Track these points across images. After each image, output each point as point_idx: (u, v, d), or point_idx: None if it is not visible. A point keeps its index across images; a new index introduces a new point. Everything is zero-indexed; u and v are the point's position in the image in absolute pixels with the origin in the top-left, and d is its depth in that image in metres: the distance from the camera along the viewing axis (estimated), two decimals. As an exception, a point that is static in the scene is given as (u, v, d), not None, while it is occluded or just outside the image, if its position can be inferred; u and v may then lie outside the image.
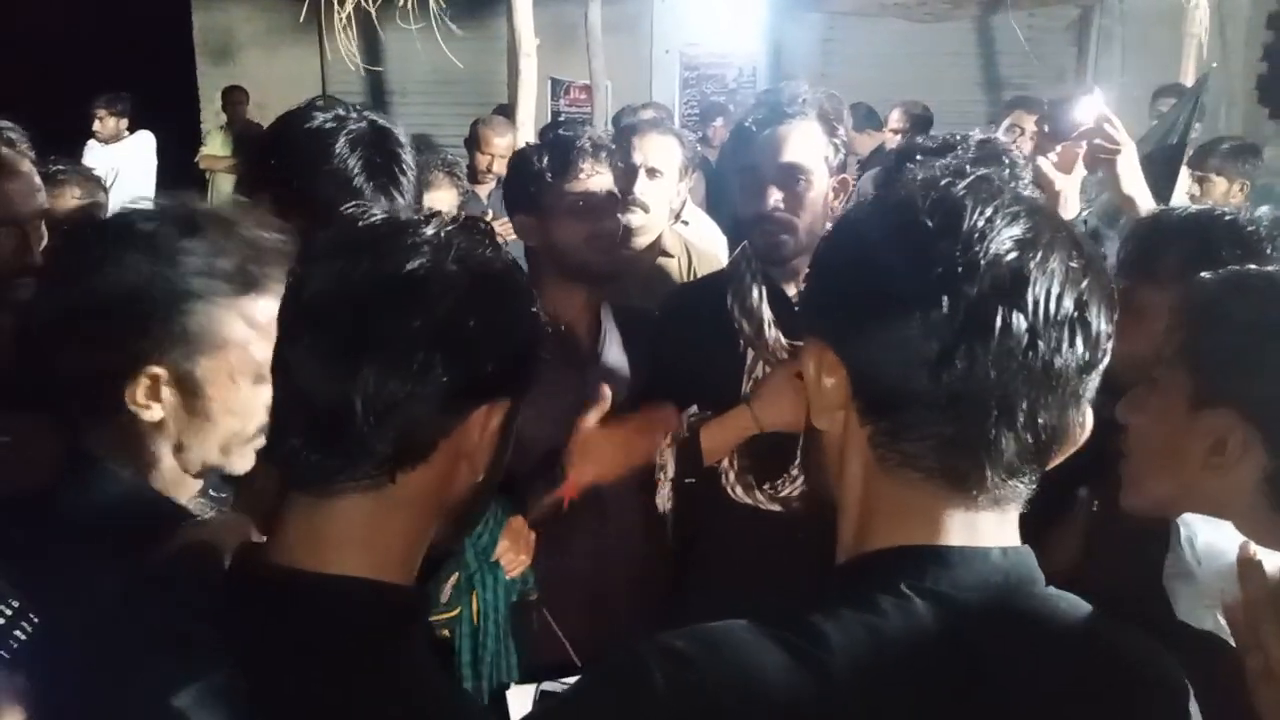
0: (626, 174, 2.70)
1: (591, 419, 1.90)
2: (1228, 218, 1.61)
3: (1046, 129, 2.12)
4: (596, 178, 2.14)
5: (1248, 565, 0.87)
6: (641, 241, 2.79)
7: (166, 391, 1.15)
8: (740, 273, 2.02)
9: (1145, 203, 2.04)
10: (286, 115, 1.65)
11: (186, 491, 1.23)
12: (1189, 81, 5.40)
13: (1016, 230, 0.78)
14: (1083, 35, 7.67)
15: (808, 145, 1.95)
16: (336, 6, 4.21)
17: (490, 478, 0.97)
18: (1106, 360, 0.82)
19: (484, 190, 4.87)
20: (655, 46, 8.14)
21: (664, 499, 2.02)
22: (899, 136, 5.29)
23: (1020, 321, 0.76)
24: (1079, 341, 0.78)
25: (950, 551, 0.81)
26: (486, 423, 0.93)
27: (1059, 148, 2.09)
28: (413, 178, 1.63)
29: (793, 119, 1.96)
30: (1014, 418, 0.79)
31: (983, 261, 0.77)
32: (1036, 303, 0.77)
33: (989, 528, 0.83)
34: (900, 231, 0.80)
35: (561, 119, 7.62)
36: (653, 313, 2.28)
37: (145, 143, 6.59)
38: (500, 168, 4.74)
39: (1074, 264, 0.79)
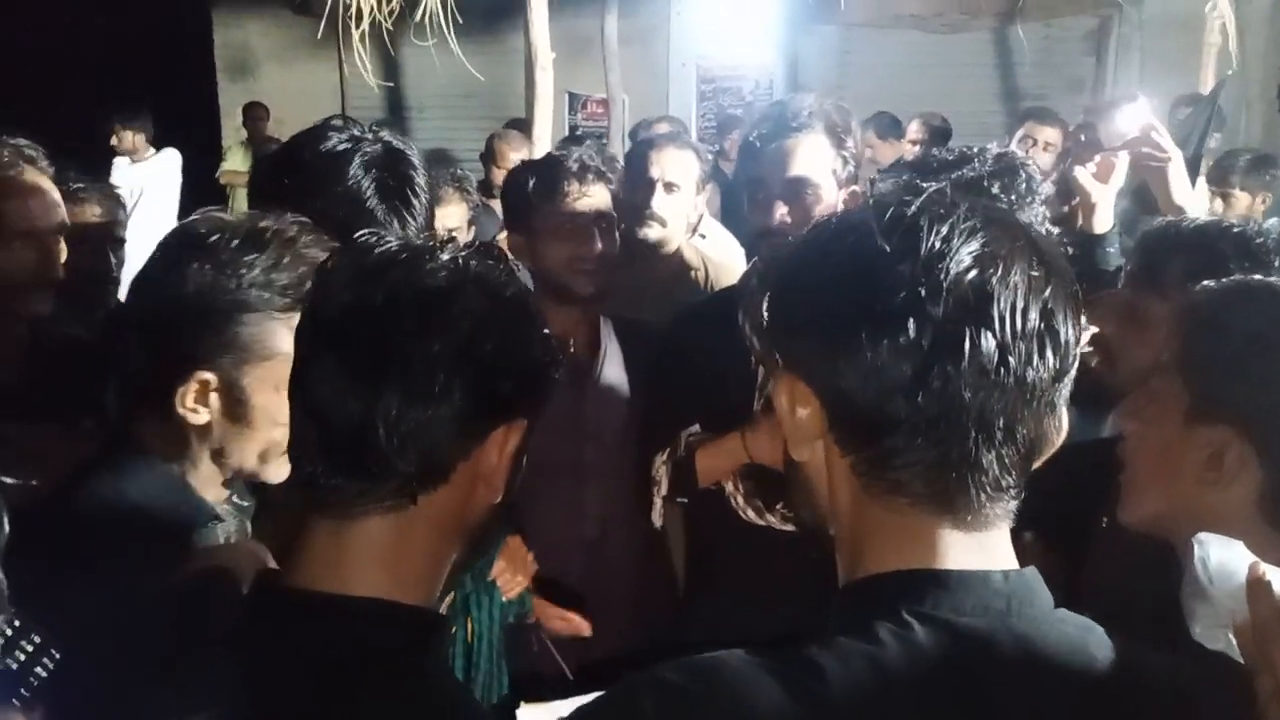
0: (644, 188, 2.71)
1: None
2: (1235, 229, 1.59)
3: (1084, 138, 2.10)
4: (584, 200, 2.13)
5: (1257, 585, 0.85)
6: (660, 255, 2.79)
7: (214, 397, 1.19)
8: (751, 288, 2.00)
9: (1194, 212, 1.99)
10: (301, 135, 1.66)
11: (216, 495, 1.27)
12: (1208, 90, 5.37)
13: (974, 246, 0.77)
14: (1101, 45, 7.64)
15: (814, 158, 1.94)
16: (353, 23, 4.24)
17: (506, 498, 0.98)
18: (1077, 364, 0.81)
19: (499, 205, 4.88)
20: (672, 59, 8.16)
21: (658, 516, 2.02)
22: (917, 148, 5.27)
23: (988, 340, 0.76)
24: (1049, 352, 0.78)
25: (949, 575, 0.80)
26: (504, 444, 0.94)
27: (1098, 157, 2.06)
28: (425, 200, 1.63)
29: (799, 132, 1.95)
30: (993, 435, 0.78)
31: (944, 282, 0.76)
32: (1002, 318, 0.76)
33: (984, 549, 0.82)
34: (859, 257, 0.79)
35: (579, 132, 7.65)
36: (657, 328, 2.28)
37: (171, 161, 6.63)
38: (517, 182, 4.76)
39: (1036, 273, 0.78)
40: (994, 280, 0.76)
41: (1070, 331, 0.80)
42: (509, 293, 0.95)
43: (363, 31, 4.25)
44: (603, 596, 2.13)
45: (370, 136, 1.62)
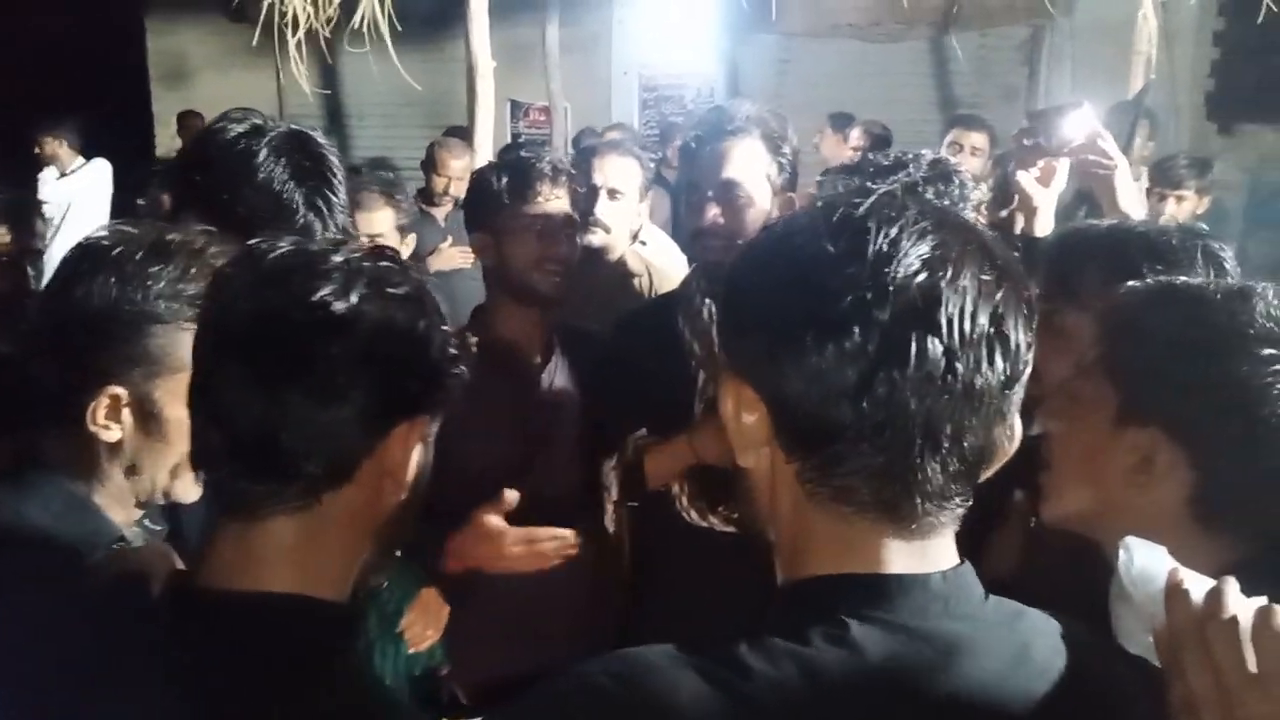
0: (587, 195, 2.70)
1: (493, 514, 1.89)
2: (1142, 231, 1.60)
3: (1026, 142, 2.09)
4: (554, 202, 2.13)
5: (1174, 592, 0.86)
6: (603, 262, 2.79)
7: (125, 412, 1.17)
8: (691, 293, 2.01)
9: (1139, 218, 2.00)
10: (204, 131, 1.65)
11: (126, 516, 1.24)
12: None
13: (924, 248, 0.76)
14: (1034, 54, 7.78)
15: (749, 163, 1.96)
16: (289, 30, 4.18)
17: (415, 496, 0.99)
18: (1029, 371, 0.80)
19: (440, 212, 4.84)
20: (614, 67, 8.16)
21: (610, 521, 2.01)
22: (858, 155, 5.33)
23: (935, 346, 0.74)
24: (998, 358, 0.77)
25: (887, 580, 0.80)
26: (408, 440, 0.96)
27: (1041, 162, 2.08)
28: (342, 181, 1.61)
29: (734, 136, 1.97)
30: (939, 444, 0.77)
31: (891, 286, 0.74)
32: (950, 323, 0.74)
33: (925, 555, 0.81)
34: (806, 260, 0.77)
35: (521, 140, 7.62)
36: (600, 334, 2.28)
37: (101, 172, 6.47)
38: (456, 190, 4.72)
39: (987, 276, 0.77)
40: (943, 284, 0.75)
41: (1022, 337, 0.78)
42: (404, 291, 0.96)
43: (299, 39, 4.19)
44: (552, 601, 2.11)
45: (272, 124, 1.59)
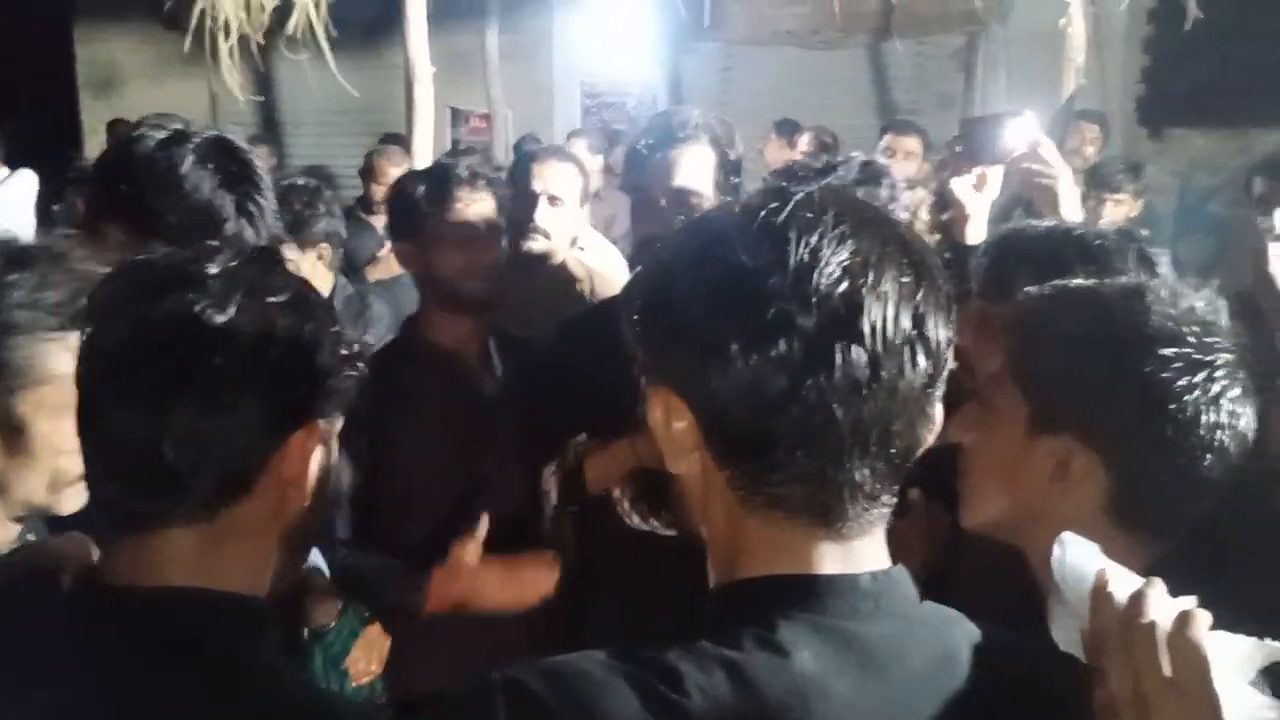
0: (527, 201, 2.68)
1: (469, 547, 1.91)
2: (1077, 233, 1.61)
3: (960, 150, 2.10)
4: (475, 206, 2.11)
5: (1100, 594, 0.86)
6: (544, 268, 2.77)
7: None
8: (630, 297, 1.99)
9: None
10: (123, 140, 1.61)
11: (3, 535, 1.19)
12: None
13: (844, 255, 0.76)
14: (969, 61, 7.91)
15: (699, 169, 1.98)
16: (221, 36, 4.10)
17: (321, 500, 0.98)
18: (949, 364, 0.81)
19: (379, 221, 4.78)
20: (555, 74, 8.14)
21: (549, 525, 2.00)
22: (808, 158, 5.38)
23: (860, 354, 0.75)
24: (920, 358, 0.77)
25: (818, 580, 0.80)
26: (305, 446, 0.94)
27: (977, 170, 2.08)
28: (269, 186, 1.59)
29: (684, 143, 1.98)
30: (867, 447, 0.78)
31: (815, 297, 0.74)
32: (874, 330, 0.75)
33: (856, 555, 0.82)
34: (729, 271, 0.77)
35: (461, 147, 7.57)
36: (540, 341, 2.27)
37: (26, 184, 6.25)
38: (397, 198, 4.67)
39: (906, 278, 0.77)
40: (864, 291, 0.75)
41: (941, 333, 0.79)
42: (286, 297, 0.94)
43: (231, 45, 4.11)
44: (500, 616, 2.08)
45: (194, 130, 1.56)
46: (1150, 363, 1.09)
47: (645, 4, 7.02)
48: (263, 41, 4.29)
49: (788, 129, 5.98)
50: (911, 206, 1.84)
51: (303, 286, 0.99)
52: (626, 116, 8.33)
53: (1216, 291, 1.18)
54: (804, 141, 5.59)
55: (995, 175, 2.08)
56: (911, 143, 4.80)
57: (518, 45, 7.34)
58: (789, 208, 0.78)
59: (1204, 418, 1.09)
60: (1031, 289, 1.24)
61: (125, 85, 8.31)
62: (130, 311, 0.90)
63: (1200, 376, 1.09)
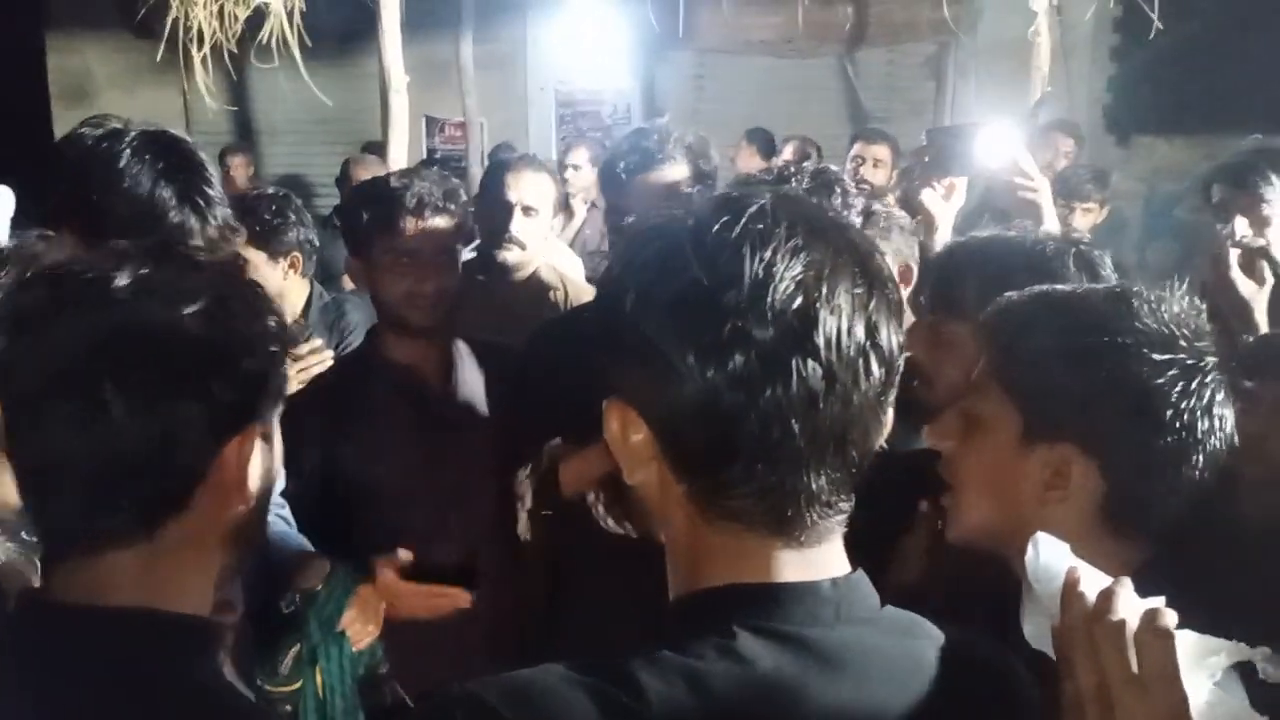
0: (502, 211, 2.71)
1: (389, 570, 1.93)
2: (1015, 240, 1.62)
3: (927, 159, 2.13)
4: (420, 235, 2.05)
5: (1070, 592, 0.88)
6: (518, 277, 2.80)
7: None
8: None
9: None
10: (61, 141, 1.62)
11: None
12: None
13: (797, 269, 0.76)
14: (940, 70, 7.98)
15: (679, 190, 1.99)
16: (194, 45, 4.10)
17: (265, 498, 0.97)
18: (901, 369, 0.82)
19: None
20: (530, 83, 8.15)
21: (524, 529, 2.01)
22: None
23: (815, 367, 0.75)
24: (874, 366, 0.78)
25: (779, 588, 0.81)
26: (241, 451, 0.92)
27: (947, 180, 2.10)
28: (214, 173, 1.58)
29: (662, 164, 2.00)
30: (824, 458, 0.78)
31: (769, 312, 0.75)
32: (829, 342, 0.76)
33: (815, 562, 0.82)
34: (684, 287, 0.77)
35: (437, 156, 7.57)
36: (513, 349, 2.27)
37: (3, 200, 6.11)
38: (372, 206, 4.66)
39: (859, 289, 0.78)
40: (818, 304, 0.76)
41: (893, 340, 0.80)
42: (202, 304, 0.89)
43: (204, 54, 4.11)
44: (469, 611, 2.09)
45: (131, 127, 1.56)
46: (1146, 369, 1.10)
47: (619, 14, 7.05)
48: (236, 50, 4.29)
49: (759, 137, 6.03)
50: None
51: (226, 287, 0.94)
52: (601, 125, 8.35)
53: (1184, 295, 1.19)
54: (787, 151, 5.64)
55: (962, 185, 2.12)
56: (881, 150, 4.86)
57: (493, 54, 7.34)
58: (743, 221, 0.78)
59: (1199, 424, 1.10)
60: (1011, 294, 1.24)
61: (98, 95, 8.23)
62: (40, 332, 0.86)
63: (1194, 383, 1.10)
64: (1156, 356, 1.10)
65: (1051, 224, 1.99)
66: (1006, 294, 1.25)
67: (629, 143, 2.14)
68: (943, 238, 2.10)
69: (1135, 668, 0.82)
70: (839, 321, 0.76)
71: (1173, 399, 1.10)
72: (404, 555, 1.93)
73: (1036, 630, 0.93)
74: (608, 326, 0.85)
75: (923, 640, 0.86)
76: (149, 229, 1.45)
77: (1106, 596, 0.85)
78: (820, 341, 0.76)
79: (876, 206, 1.89)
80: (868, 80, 8.04)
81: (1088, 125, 7.14)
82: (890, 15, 7.60)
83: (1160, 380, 1.10)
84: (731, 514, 0.81)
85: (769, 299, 0.75)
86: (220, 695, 0.93)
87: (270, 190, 3.13)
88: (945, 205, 2.11)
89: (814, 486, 0.79)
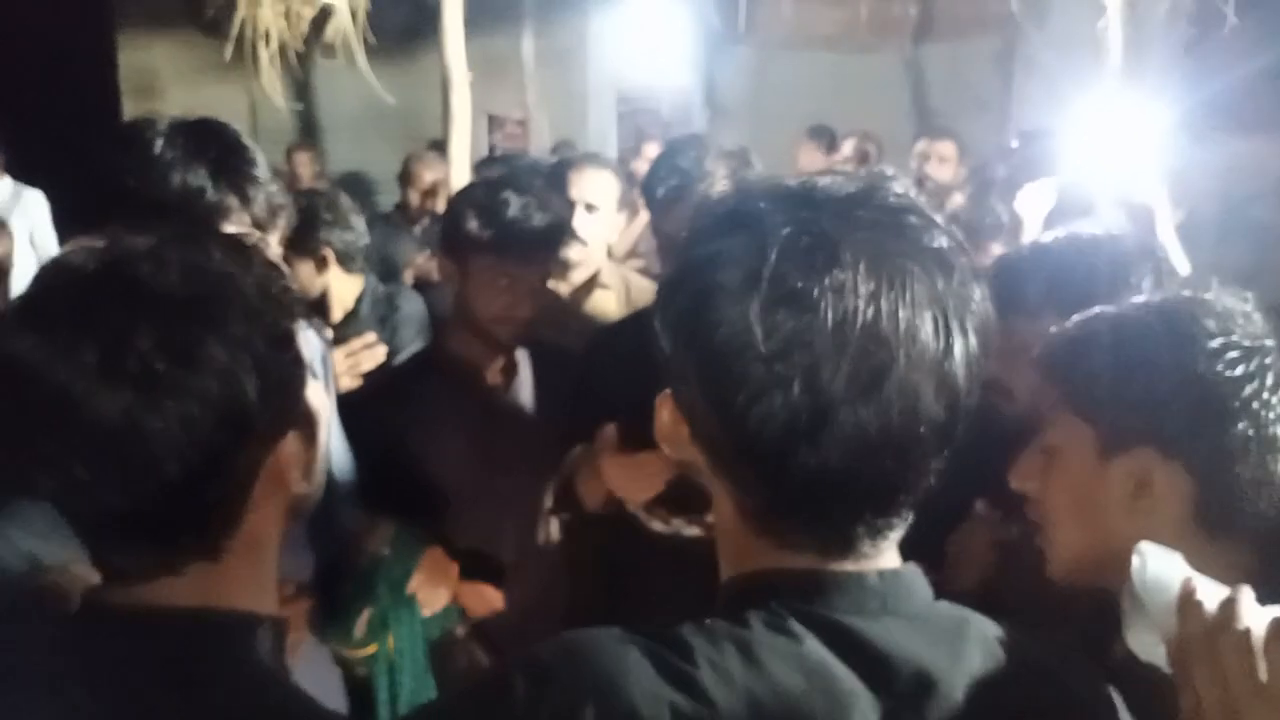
0: (563, 208, 2.69)
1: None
2: (1084, 240, 1.60)
3: (1020, 161, 2.10)
4: (527, 265, 2.04)
5: (1187, 602, 0.86)
6: (579, 275, 2.78)
7: None
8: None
9: (1175, 248, 1.91)
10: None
11: None
12: (1110, 109, 5.55)
13: (869, 314, 0.74)
14: (1007, 65, 7.85)
15: None
16: (261, 44, 4.15)
17: (316, 483, 0.96)
18: (971, 403, 0.80)
19: (417, 226, 4.82)
20: (590, 80, 8.17)
21: (547, 534, 2.00)
22: (849, 164, 5.37)
23: (872, 418, 0.75)
24: (941, 402, 0.77)
25: (825, 575, 0.81)
26: (286, 454, 0.91)
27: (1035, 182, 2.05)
28: (254, 151, 1.58)
29: (700, 183, 1.97)
30: (880, 497, 0.80)
31: (838, 346, 0.73)
32: (888, 399, 0.74)
33: (867, 556, 0.83)
34: (728, 334, 0.76)
35: (496, 153, 7.61)
36: (573, 350, 2.26)
37: (38, 207, 6.08)
38: (432, 203, 4.70)
39: (929, 329, 0.75)
40: (893, 348, 0.74)
41: (963, 375, 0.78)
42: (213, 347, 0.83)
43: (272, 53, 4.16)
44: (528, 621, 2.07)
45: (166, 118, 1.58)
46: (1204, 359, 1.10)
47: (680, 9, 7.03)
48: (302, 49, 4.34)
49: (821, 134, 5.97)
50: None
51: (218, 286, 0.87)
52: (660, 121, 8.35)
53: (1257, 302, 1.18)
54: (846, 148, 5.58)
55: (1050, 187, 2.07)
56: (946, 148, 4.78)
57: (553, 51, 7.37)
58: (816, 264, 0.75)
59: (1271, 410, 1.09)
60: (1063, 325, 1.24)
61: (166, 92, 8.41)
62: (66, 360, 0.80)
63: (1254, 365, 1.09)
64: (1212, 345, 1.10)
65: (1165, 234, 1.92)
66: (1058, 326, 1.26)
67: (666, 163, 2.10)
68: (1030, 236, 2.05)
69: (1264, 679, 0.80)
70: (909, 367, 0.75)
71: (1235, 383, 1.09)
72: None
73: (1143, 644, 0.91)
74: (666, 350, 0.84)
75: (972, 637, 0.85)
76: (187, 211, 1.46)
77: (1229, 606, 0.83)
78: (883, 394, 0.74)
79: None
80: (932, 76, 7.93)
81: (1160, 122, 6.98)
82: (956, 9, 7.50)
83: (1217, 367, 1.09)
84: (780, 536, 0.82)
85: (838, 331, 0.74)
86: (284, 696, 0.93)
87: (310, 189, 3.19)
88: (1035, 208, 2.08)
89: (867, 527, 0.80)
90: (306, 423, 0.93)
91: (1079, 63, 6.15)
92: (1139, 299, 1.25)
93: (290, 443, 0.91)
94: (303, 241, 3.01)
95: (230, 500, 0.87)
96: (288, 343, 0.90)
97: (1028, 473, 1.24)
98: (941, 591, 0.86)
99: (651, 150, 5.31)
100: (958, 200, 3.66)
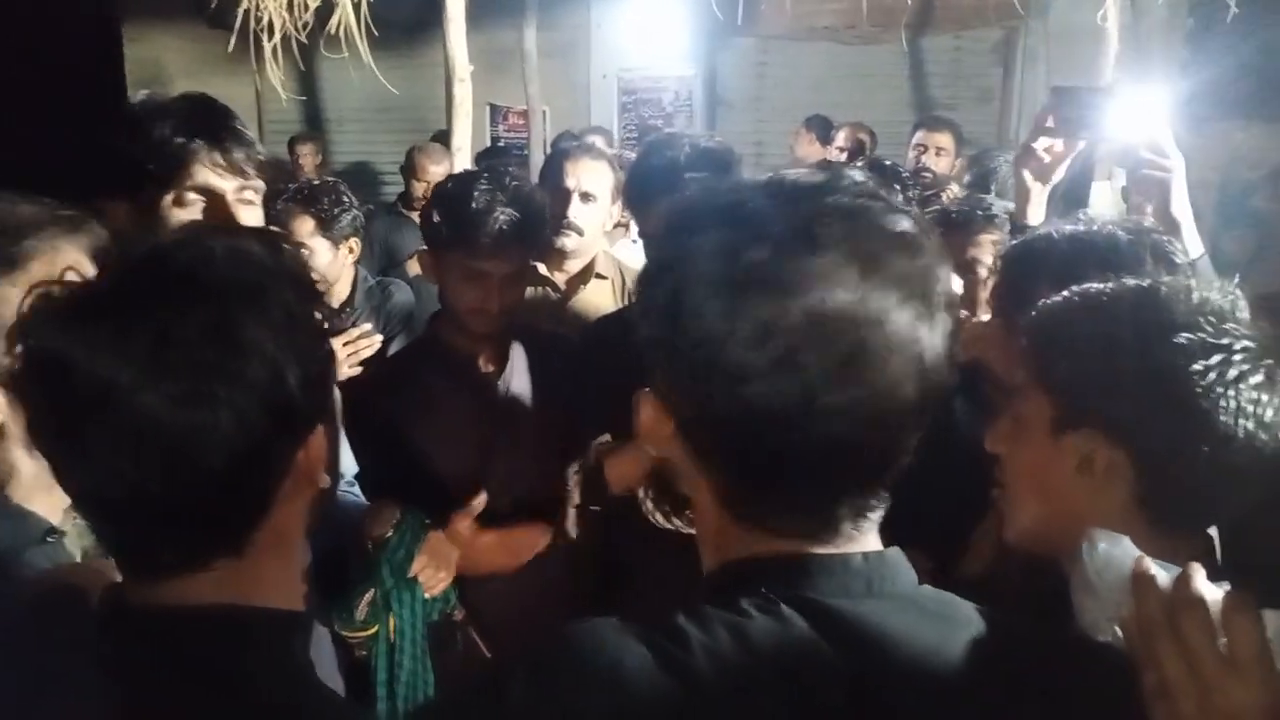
0: (560, 198, 2.73)
1: (462, 523, 1.95)
2: (1087, 235, 1.58)
3: (1051, 121, 1.94)
4: (495, 261, 2.06)
5: (1141, 580, 0.87)
6: (575, 264, 2.81)
7: None
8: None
9: (1189, 227, 1.83)
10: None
11: (48, 505, 1.16)
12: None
13: (851, 297, 0.76)
14: (1008, 56, 7.85)
15: None
16: (265, 36, 4.18)
17: (334, 473, 0.97)
18: (942, 383, 0.82)
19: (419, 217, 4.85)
20: (593, 71, 8.17)
21: (571, 526, 2.03)
22: (844, 155, 5.38)
23: (862, 391, 0.77)
24: (917, 383, 0.79)
25: (809, 558, 0.83)
26: (315, 449, 0.90)
27: (1055, 141, 1.94)
28: (238, 120, 1.65)
29: (682, 188, 1.99)
30: (861, 476, 0.82)
31: (826, 332, 0.75)
32: (870, 379, 0.77)
33: (850, 539, 0.85)
34: (741, 301, 0.77)
35: (500, 144, 7.63)
36: (570, 340, 2.29)
37: None
38: (436, 194, 4.71)
39: (907, 310, 0.77)
40: (870, 334, 0.76)
41: (938, 358, 0.80)
42: (239, 363, 0.81)
43: (275, 45, 4.19)
44: (522, 608, 2.12)
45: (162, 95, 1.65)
46: (1165, 350, 1.09)
47: (681, 0, 7.03)
48: (305, 41, 4.36)
49: (817, 124, 5.98)
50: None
51: (292, 282, 0.87)
52: (662, 112, 8.35)
53: (1244, 290, 1.18)
54: (840, 138, 5.59)
55: (1072, 151, 1.95)
56: (944, 138, 4.79)
57: (555, 42, 7.37)
58: (791, 253, 0.77)
59: (1224, 403, 1.08)
60: (1052, 298, 1.25)
61: (171, 84, 8.43)
62: (103, 356, 0.78)
63: (1216, 360, 1.08)
64: (1175, 339, 1.10)
65: (1179, 210, 1.82)
66: (1046, 299, 1.26)
67: (645, 165, 2.11)
68: (1036, 213, 1.99)
69: (1227, 651, 0.82)
70: (888, 349, 0.77)
71: (1191, 378, 1.08)
72: (478, 502, 1.94)
73: (1096, 625, 0.93)
74: (656, 329, 0.85)
75: (957, 619, 0.86)
76: (178, 178, 1.54)
77: (1185, 582, 0.85)
78: (860, 375, 0.76)
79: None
80: (933, 67, 7.92)
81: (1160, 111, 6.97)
82: (957, 0, 7.49)
83: (1178, 360, 1.09)
84: (761, 522, 0.84)
85: (824, 321, 0.76)
86: (309, 692, 0.93)
87: (318, 181, 3.23)
88: (1039, 184, 1.97)
89: (849, 506, 0.82)
90: (330, 417, 0.94)
91: (1079, 53, 6.15)
92: (1128, 281, 1.24)
93: (319, 436, 0.90)
94: (334, 230, 3.07)
95: (264, 493, 0.86)
96: (323, 334, 0.90)
97: (998, 437, 1.27)
98: (949, 580, 0.89)
99: None
100: (953, 190, 3.67)
